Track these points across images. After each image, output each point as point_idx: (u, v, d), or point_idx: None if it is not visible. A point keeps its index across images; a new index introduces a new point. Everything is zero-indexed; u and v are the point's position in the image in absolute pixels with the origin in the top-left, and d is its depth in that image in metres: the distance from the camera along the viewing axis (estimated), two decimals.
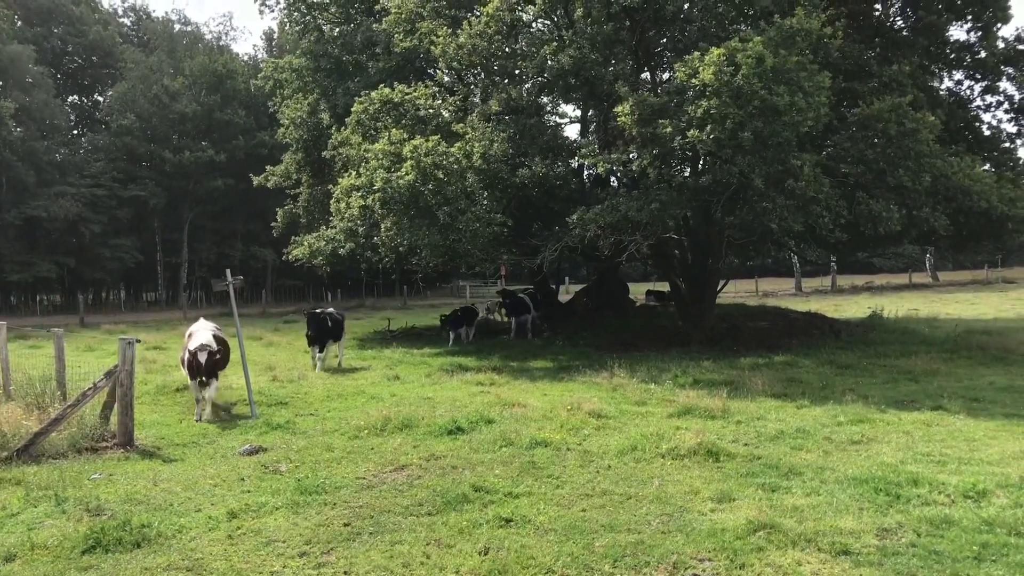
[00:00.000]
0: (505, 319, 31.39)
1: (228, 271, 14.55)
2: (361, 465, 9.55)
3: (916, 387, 14.44)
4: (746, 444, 10.19)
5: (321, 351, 18.97)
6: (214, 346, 13.16)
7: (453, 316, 25.75)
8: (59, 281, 53.60)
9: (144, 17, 68.25)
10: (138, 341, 11.94)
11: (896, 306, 30.56)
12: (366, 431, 11.34)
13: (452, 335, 24.95)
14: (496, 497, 8.04)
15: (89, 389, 10.90)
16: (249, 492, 8.56)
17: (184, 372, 13.70)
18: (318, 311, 19.56)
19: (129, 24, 68.13)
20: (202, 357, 12.76)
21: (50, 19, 56.97)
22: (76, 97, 63.60)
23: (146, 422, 12.42)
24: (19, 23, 54.96)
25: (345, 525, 7.39)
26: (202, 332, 13.71)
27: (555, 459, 9.55)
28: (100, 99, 63.19)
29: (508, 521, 7.32)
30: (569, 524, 7.24)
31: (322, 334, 18.99)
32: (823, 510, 7.43)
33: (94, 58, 60.12)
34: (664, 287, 32.11)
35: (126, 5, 69.44)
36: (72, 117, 61.57)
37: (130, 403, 10.99)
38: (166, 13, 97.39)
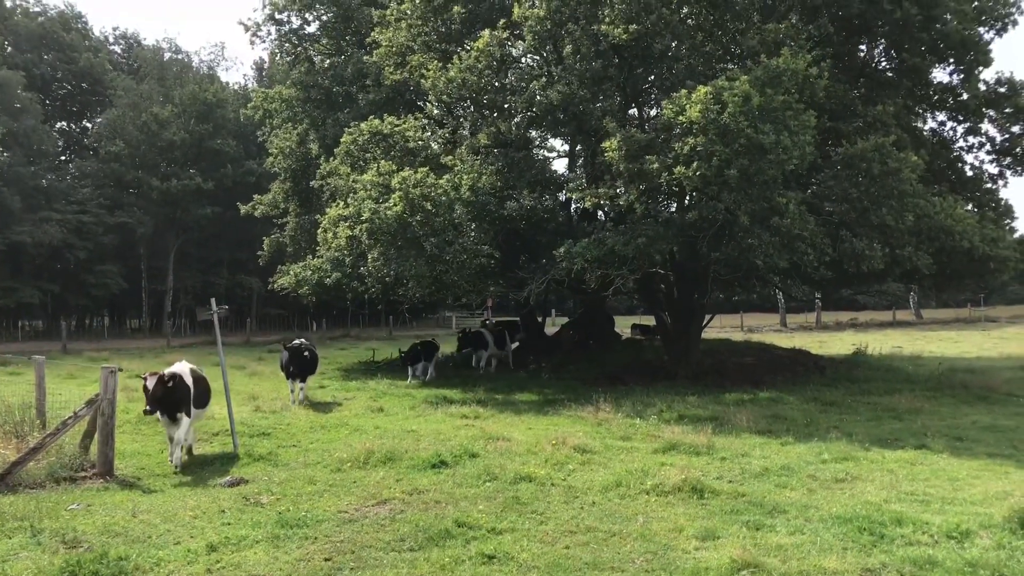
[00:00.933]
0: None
1: (213, 300, 14.45)
2: (343, 498, 9.47)
3: (900, 425, 14.48)
4: (731, 481, 10.18)
5: (304, 383, 18.61)
6: (186, 375, 12.03)
7: (412, 351, 23.51)
8: (42, 307, 53.09)
9: (135, 45, 68.42)
10: (120, 369, 11.85)
11: (880, 343, 30.71)
12: (349, 464, 11.25)
13: (411, 371, 23.09)
14: (479, 533, 7.97)
15: (69, 418, 10.79)
16: (229, 525, 8.46)
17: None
18: (299, 343, 18.94)
19: (119, 52, 68.25)
20: (149, 382, 11.33)
21: (40, 45, 56.99)
22: (64, 123, 63.48)
23: (127, 452, 12.28)
24: (9, 48, 54.97)
25: (326, 560, 7.31)
26: (177, 365, 12.66)
27: (539, 495, 9.50)
28: (89, 126, 63.12)
29: (491, 558, 7.26)
30: (552, 561, 7.18)
31: (304, 369, 18.57)
32: (807, 549, 7.41)
33: (84, 85, 60.09)
34: (649, 321, 32.13)
35: (117, 33, 69.67)
36: (60, 143, 61.44)
37: (111, 432, 10.89)
38: (157, 41, 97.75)
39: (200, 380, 12.69)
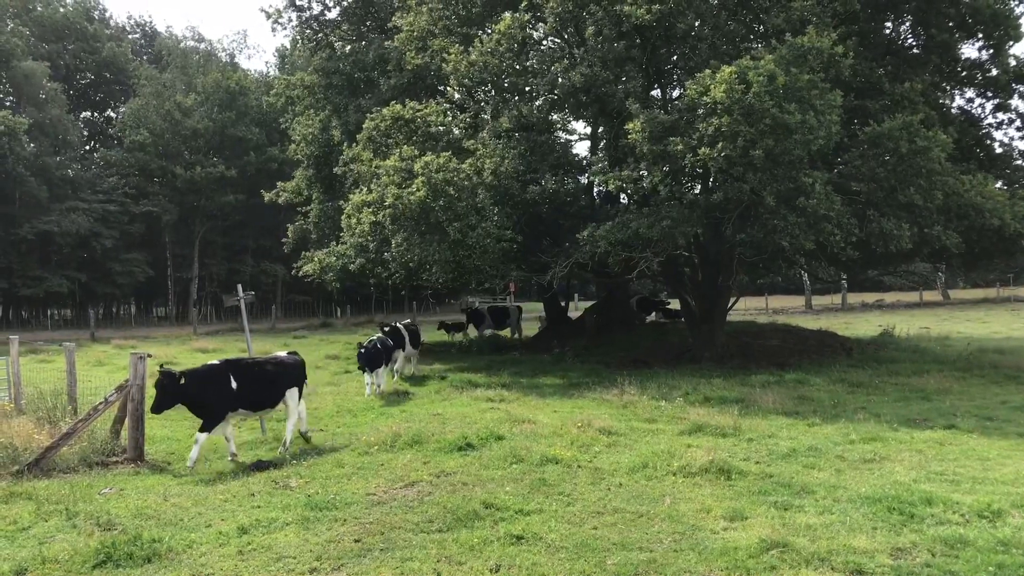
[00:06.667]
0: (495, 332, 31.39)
1: (239, 286, 14.58)
2: (371, 481, 9.53)
3: (928, 405, 14.35)
4: (758, 462, 10.14)
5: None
6: None
7: (370, 352, 17.08)
8: (70, 296, 53.78)
9: (150, 33, 68.73)
10: (150, 356, 11.97)
11: (907, 324, 30.43)
12: (376, 447, 11.32)
13: (367, 379, 17.36)
14: (507, 514, 8.00)
15: (100, 403, 10.94)
16: (259, 508, 8.55)
17: None
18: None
19: (141, 40, 68.65)
20: None
21: (64, 36, 57.50)
22: (89, 113, 64.07)
23: (156, 437, 12.44)
24: (33, 40, 55.48)
25: (356, 541, 7.37)
26: None
27: (566, 476, 9.51)
28: (113, 115, 63.66)
29: (519, 538, 7.28)
30: (580, 542, 7.20)
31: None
32: (836, 529, 7.37)
33: (107, 74, 60.60)
34: (673, 303, 32.02)
35: (132, 22, 69.95)
36: (85, 133, 61.99)
37: (141, 418, 11.03)
38: (169, 28, 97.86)
39: None
